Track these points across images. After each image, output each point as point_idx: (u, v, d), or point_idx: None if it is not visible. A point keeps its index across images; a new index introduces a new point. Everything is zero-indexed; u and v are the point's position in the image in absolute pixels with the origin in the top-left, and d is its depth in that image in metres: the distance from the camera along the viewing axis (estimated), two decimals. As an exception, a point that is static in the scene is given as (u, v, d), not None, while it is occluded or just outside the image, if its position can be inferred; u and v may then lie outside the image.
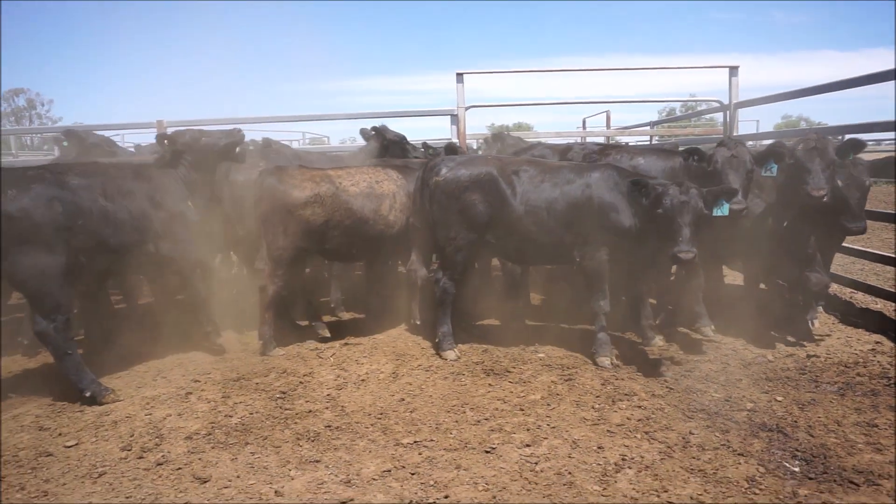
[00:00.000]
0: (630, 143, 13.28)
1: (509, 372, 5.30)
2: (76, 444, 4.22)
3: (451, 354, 5.70)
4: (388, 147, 7.34)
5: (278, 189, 5.76)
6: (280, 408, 4.70)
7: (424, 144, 8.98)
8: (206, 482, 3.68)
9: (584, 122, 18.94)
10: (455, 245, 5.72)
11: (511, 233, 5.64)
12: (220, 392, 5.04)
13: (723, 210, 5.07)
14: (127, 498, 3.55)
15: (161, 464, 3.92)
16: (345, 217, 5.96)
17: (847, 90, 6.66)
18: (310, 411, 4.63)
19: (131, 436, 4.32)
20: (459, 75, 9.36)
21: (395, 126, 8.30)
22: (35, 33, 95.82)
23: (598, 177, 5.46)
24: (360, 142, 9.04)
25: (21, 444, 4.26)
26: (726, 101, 9.49)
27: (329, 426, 4.36)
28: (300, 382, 5.20)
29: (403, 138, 7.72)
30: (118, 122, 9.35)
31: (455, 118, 9.45)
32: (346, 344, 6.15)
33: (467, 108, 9.45)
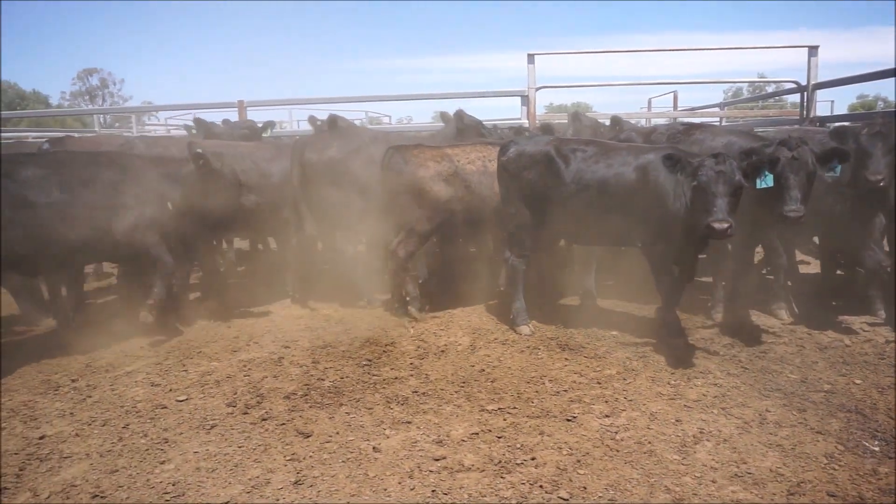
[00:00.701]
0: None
1: (584, 347, 5.46)
2: (186, 399, 4.61)
3: (525, 329, 5.90)
4: (464, 131, 7.51)
5: (405, 168, 6.11)
6: (368, 373, 5.00)
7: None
8: (308, 436, 4.00)
9: (649, 103, 18.68)
10: (517, 223, 5.93)
11: (567, 212, 5.71)
12: (310, 358, 5.38)
13: (834, 173, 5.13)
14: (239, 447, 3.90)
15: (266, 419, 4.26)
16: (465, 194, 6.28)
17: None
18: (396, 378, 4.91)
19: (234, 394, 4.69)
20: (531, 56, 9.45)
21: (462, 106, 8.44)
22: (109, 14, 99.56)
23: (654, 158, 5.29)
24: (417, 122, 9.24)
25: (138, 396, 4.69)
26: (803, 82, 9.29)
27: (416, 392, 4.63)
28: (384, 351, 5.49)
29: (480, 123, 7.89)
30: (200, 102, 9.79)
31: (525, 99, 9.56)
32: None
33: (538, 89, 9.54)
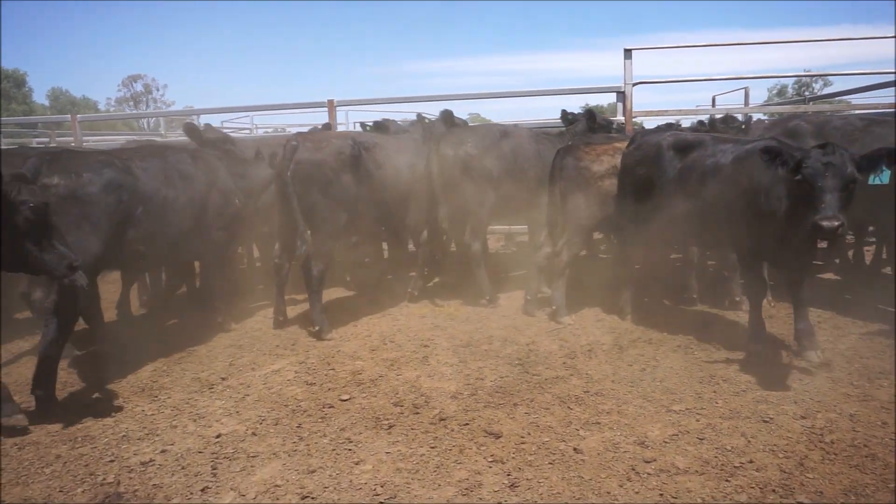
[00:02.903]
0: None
1: (739, 348, 5.24)
2: (350, 399, 4.50)
3: (567, 320, 6.03)
4: (594, 130, 7.34)
5: (578, 165, 5.98)
6: (526, 373, 4.85)
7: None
8: (499, 437, 3.86)
9: (713, 100, 18.29)
10: (629, 218, 5.83)
11: (670, 209, 5.41)
12: (455, 357, 5.25)
13: (882, 178, 4.42)
14: (431, 448, 3.77)
15: (443, 419, 4.13)
16: None
17: None
18: (557, 377, 4.75)
19: (396, 393, 4.57)
20: (627, 51, 9.22)
21: (558, 103, 8.27)
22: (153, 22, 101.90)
23: (753, 151, 4.71)
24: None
25: (298, 395, 4.59)
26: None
27: (587, 392, 4.47)
28: (529, 350, 5.34)
29: (610, 123, 7.74)
30: (292, 102, 9.77)
31: (622, 95, 9.35)
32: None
33: (635, 85, 9.33)
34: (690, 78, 9.60)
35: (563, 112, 7.68)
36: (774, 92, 44.69)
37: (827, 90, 45.63)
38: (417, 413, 4.25)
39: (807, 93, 46.28)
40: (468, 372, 4.91)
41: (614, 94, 9.47)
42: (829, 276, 7.65)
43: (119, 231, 4.77)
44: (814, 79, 44.64)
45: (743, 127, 7.46)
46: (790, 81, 45.30)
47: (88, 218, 4.55)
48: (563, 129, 7.70)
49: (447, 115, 7.39)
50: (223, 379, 4.97)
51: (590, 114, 7.95)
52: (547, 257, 6.31)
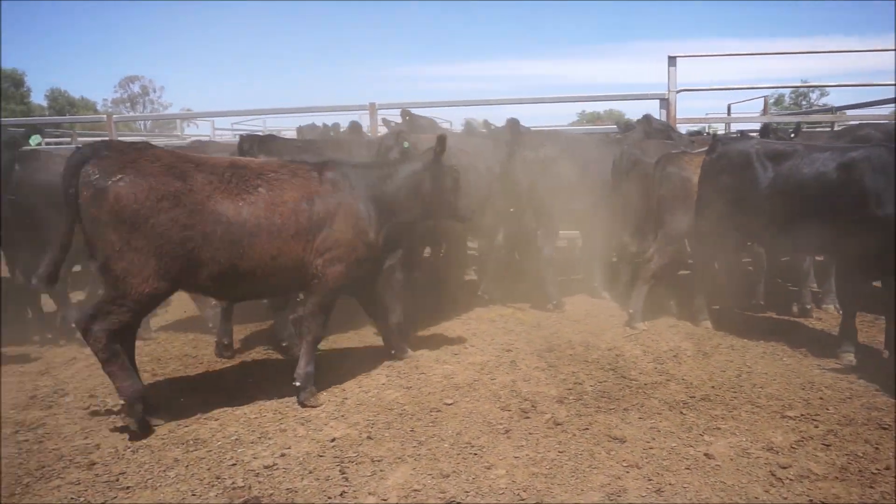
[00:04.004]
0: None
1: (826, 354, 5.27)
2: (454, 403, 4.48)
3: (641, 325, 6.05)
4: (652, 135, 7.37)
5: (680, 175, 6.01)
6: (623, 377, 4.84)
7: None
8: (623, 442, 3.85)
9: (728, 108, 18.43)
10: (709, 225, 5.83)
11: (758, 216, 5.48)
12: (543, 361, 5.24)
13: None
14: (560, 452, 3.75)
15: (558, 423, 4.11)
16: None
17: None
18: (656, 382, 4.75)
19: (498, 398, 4.55)
20: (672, 58, 9.27)
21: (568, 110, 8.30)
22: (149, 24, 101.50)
23: (862, 157, 4.79)
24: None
25: (399, 400, 4.55)
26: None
27: (692, 397, 4.47)
28: (615, 356, 5.34)
29: (669, 127, 7.77)
30: (334, 105, 9.73)
31: (665, 102, 9.39)
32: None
33: (678, 92, 9.38)
34: (734, 86, 9.65)
35: (620, 118, 7.71)
36: (772, 101, 45.12)
37: (823, 100, 46.18)
38: (528, 417, 4.23)
39: (804, 103, 46.78)
40: (563, 377, 4.90)
41: (657, 100, 9.53)
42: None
43: None
44: (810, 89, 45.15)
45: (793, 136, 7.53)
46: (787, 91, 45.74)
47: None
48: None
49: (514, 123, 7.39)
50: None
51: (647, 119, 7.99)
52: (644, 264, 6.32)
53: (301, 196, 4.36)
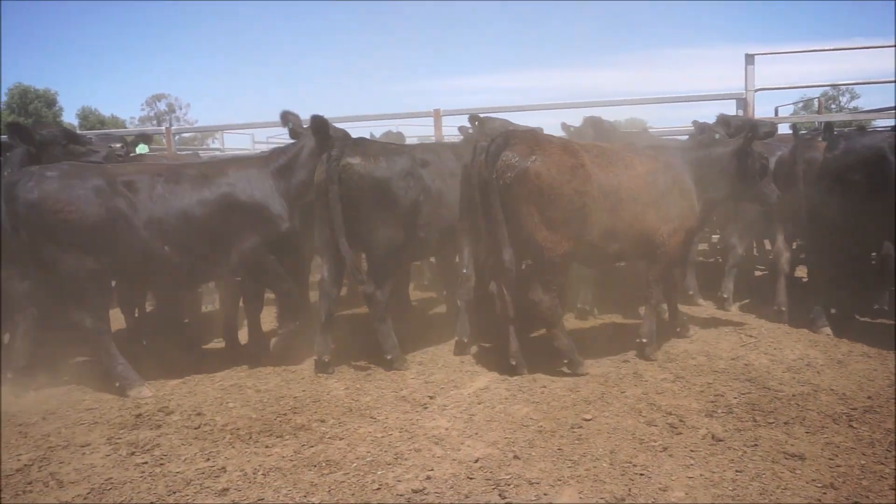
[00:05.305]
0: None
1: None
2: (593, 419, 4.15)
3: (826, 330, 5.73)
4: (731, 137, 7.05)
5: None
6: (765, 388, 4.51)
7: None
8: (803, 459, 3.49)
9: (776, 111, 18.04)
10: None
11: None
12: (668, 373, 4.92)
13: None
14: (738, 472, 3.40)
15: (719, 439, 3.77)
16: None
17: None
18: (803, 393, 4.40)
19: (637, 412, 4.22)
20: (749, 56, 8.98)
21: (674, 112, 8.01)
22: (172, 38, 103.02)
23: None
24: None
25: (531, 415, 4.23)
26: None
27: (854, 409, 4.11)
28: (742, 365, 5.01)
29: (755, 126, 7.46)
30: (398, 112, 9.53)
31: (742, 102, 9.08)
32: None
33: (756, 91, 9.06)
34: (812, 84, 9.30)
35: (643, 125, 7.46)
36: (801, 105, 44.48)
37: (854, 103, 45.48)
38: (680, 433, 3.90)
39: (833, 106, 46.12)
40: (698, 388, 4.57)
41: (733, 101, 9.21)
42: None
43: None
44: (840, 91, 44.53)
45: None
46: (816, 93, 45.10)
47: None
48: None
49: (597, 121, 7.11)
50: (430, 398, 4.63)
51: (724, 121, 7.67)
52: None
53: (647, 171, 5.00)
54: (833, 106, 46.13)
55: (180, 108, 53.68)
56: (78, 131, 9.21)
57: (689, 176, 5.23)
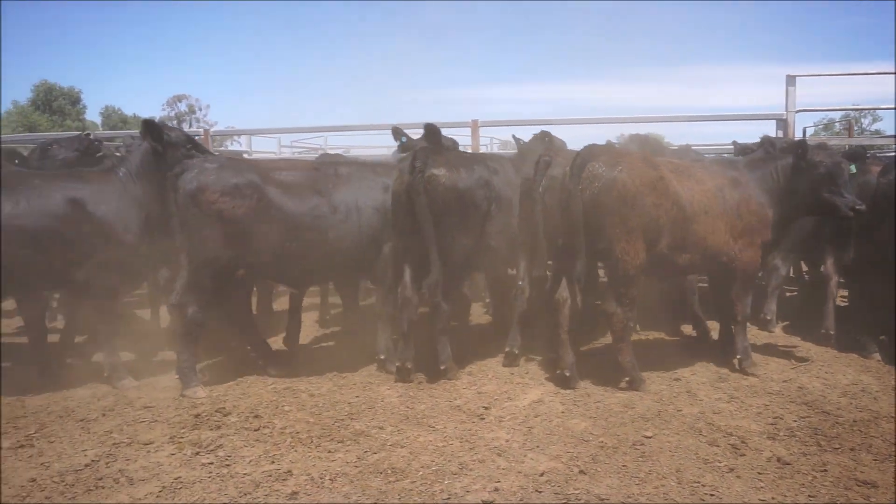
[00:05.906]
0: None
1: None
2: (654, 436, 4.15)
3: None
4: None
5: None
6: (824, 413, 4.47)
7: None
8: (875, 486, 3.48)
9: (804, 132, 17.96)
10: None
11: None
12: (722, 392, 4.90)
13: None
14: (810, 497, 3.39)
15: (787, 463, 3.75)
16: None
17: None
18: (864, 419, 4.37)
19: (698, 431, 4.21)
20: (791, 77, 8.94)
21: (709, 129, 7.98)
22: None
23: None
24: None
25: (590, 430, 4.23)
26: None
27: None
28: (796, 388, 4.98)
29: (804, 147, 7.48)
30: (437, 121, 9.54)
31: (783, 123, 9.05)
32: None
33: (798, 112, 9.03)
34: (856, 107, 9.27)
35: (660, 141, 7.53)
36: (821, 126, 44.27)
37: (875, 125, 45.26)
38: (743, 455, 3.88)
39: (855, 128, 45.88)
40: (756, 409, 4.55)
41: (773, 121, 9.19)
42: None
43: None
44: (862, 114, 44.27)
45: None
46: (837, 115, 44.94)
47: None
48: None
49: (641, 139, 7.14)
50: (485, 408, 4.64)
51: (769, 142, 7.66)
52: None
53: (717, 186, 5.10)
54: (856, 128, 45.93)
55: (200, 110, 54.21)
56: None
57: (759, 190, 5.25)
